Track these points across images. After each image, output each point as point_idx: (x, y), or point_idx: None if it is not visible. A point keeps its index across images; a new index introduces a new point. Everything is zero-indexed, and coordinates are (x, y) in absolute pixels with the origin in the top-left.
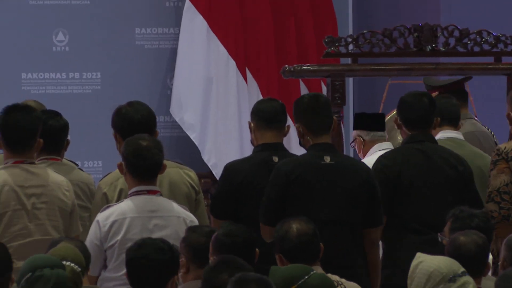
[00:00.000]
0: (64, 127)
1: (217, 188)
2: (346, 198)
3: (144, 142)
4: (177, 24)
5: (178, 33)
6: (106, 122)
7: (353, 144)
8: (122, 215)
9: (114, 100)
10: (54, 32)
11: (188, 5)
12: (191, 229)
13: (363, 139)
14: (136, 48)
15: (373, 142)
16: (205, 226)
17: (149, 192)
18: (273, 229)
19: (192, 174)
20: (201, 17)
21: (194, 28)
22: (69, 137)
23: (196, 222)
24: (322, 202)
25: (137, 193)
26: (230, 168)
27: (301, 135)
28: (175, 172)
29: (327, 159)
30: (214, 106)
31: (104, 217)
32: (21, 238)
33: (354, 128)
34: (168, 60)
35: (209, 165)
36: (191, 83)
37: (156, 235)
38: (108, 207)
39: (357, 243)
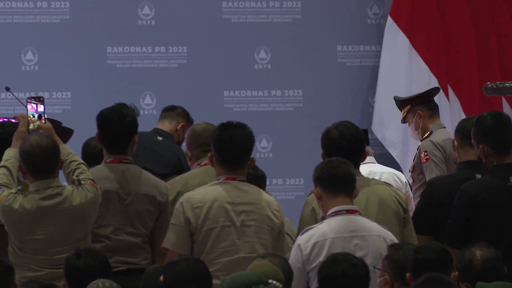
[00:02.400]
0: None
1: (419, 203)
2: None
3: (335, 163)
4: (379, 41)
5: (380, 51)
6: (307, 140)
7: None
8: (323, 237)
9: (316, 117)
10: (256, 50)
11: (390, 22)
12: (395, 247)
13: None
14: (338, 66)
15: None
16: (409, 244)
17: (348, 211)
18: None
19: (401, 193)
20: (402, 34)
21: (396, 45)
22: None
23: (395, 240)
24: (508, 223)
25: (337, 213)
26: (433, 184)
27: (485, 156)
28: (384, 189)
29: None
30: None
31: (304, 240)
32: (229, 254)
33: None
34: (370, 77)
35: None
36: (393, 101)
37: (357, 255)
38: (308, 229)
39: None
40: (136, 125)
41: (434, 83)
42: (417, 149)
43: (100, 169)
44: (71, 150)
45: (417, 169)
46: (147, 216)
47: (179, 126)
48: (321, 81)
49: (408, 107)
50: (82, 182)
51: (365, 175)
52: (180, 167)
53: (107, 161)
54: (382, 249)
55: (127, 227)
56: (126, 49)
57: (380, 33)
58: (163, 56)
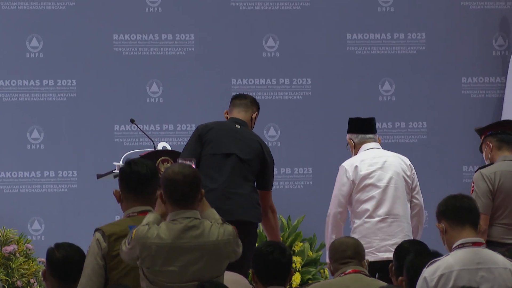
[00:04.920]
0: None
1: None
2: None
3: (459, 197)
4: (504, 73)
5: (505, 82)
6: (433, 173)
7: (348, 147)
8: (449, 269)
9: (440, 149)
10: (380, 81)
11: None
12: None
13: (353, 142)
14: (462, 98)
15: (361, 144)
16: None
17: (474, 244)
18: None
19: None
20: None
21: None
22: None
23: None
24: None
25: (462, 245)
26: None
27: None
28: None
29: None
30: None
31: (430, 272)
32: None
33: (347, 132)
34: (495, 109)
35: None
36: None
37: (483, 287)
38: (434, 261)
39: None
40: None
41: None
42: None
43: None
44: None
45: None
46: None
47: (254, 115)
48: (446, 113)
49: (483, 137)
50: (225, 224)
51: (370, 159)
52: (262, 153)
53: None
54: (509, 282)
55: None
56: (251, 81)
57: (505, 64)
58: (287, 88)
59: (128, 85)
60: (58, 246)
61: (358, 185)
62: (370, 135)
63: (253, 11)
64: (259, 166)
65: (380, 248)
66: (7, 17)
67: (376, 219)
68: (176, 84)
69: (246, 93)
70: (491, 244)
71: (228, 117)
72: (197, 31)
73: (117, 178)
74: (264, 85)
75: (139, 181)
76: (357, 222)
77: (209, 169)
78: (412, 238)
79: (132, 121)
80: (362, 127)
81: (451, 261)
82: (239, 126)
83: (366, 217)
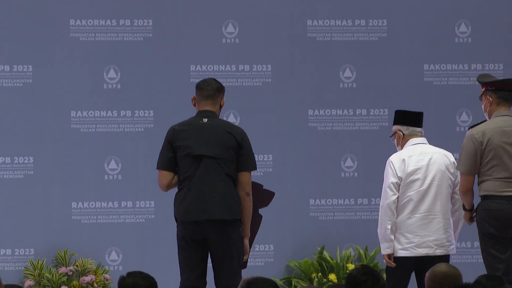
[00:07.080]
0: None
1: None
2: None
3: None
4: None
5: None
6: None
7: (392, 138)
8: None
9: None
10: (458, 112)
11: None
12: None
13: (402, 133)
14: None
15: (410, 136)
16: None
17: None
18: None
19: None
20: None
21: None
22: None
23: None
24: None
25: None
26: None
27: None
28: None
29: None
30: None
31: None
32: None
33: (395, 124)
34: None
35: None
36: None
37: None
38: None
39: None
40: None
41: None
42: None
43: None
44: None
45: None
46: None
47: (222, 102)
48: None
49: (483, 89)
50: None
51: (417, 155)
52: (234, 141)
53: None
54: None
55: None
56: (328, 112)
57: None
58: (364, 118)
59: None
60: (129, 274)
61: (404, 180)
62: (419, 129)
63: (330, 42)
64: (235, 154)
65: (421, 244)
66: (85, 48)
67: (418, 215)
68: (253, 115)
69: (324, 124)
70: (488, 198)
71: (197, 107)
72: (274, 62)
73: None
74: (341, 116)
75: None
76: (400, 217)
77: (185, 171)
78: (452, 233)
79: None
80: (412, 120)
81: None
82: (206, 120)
83: (409, 213)
